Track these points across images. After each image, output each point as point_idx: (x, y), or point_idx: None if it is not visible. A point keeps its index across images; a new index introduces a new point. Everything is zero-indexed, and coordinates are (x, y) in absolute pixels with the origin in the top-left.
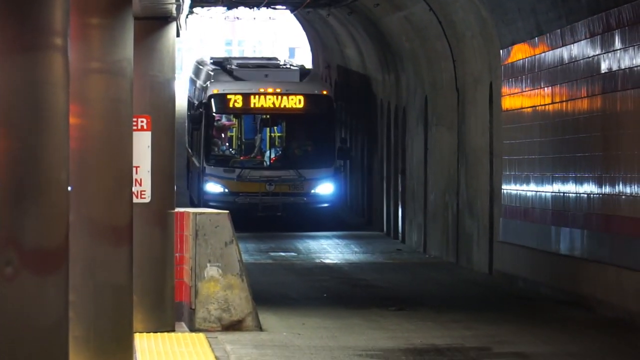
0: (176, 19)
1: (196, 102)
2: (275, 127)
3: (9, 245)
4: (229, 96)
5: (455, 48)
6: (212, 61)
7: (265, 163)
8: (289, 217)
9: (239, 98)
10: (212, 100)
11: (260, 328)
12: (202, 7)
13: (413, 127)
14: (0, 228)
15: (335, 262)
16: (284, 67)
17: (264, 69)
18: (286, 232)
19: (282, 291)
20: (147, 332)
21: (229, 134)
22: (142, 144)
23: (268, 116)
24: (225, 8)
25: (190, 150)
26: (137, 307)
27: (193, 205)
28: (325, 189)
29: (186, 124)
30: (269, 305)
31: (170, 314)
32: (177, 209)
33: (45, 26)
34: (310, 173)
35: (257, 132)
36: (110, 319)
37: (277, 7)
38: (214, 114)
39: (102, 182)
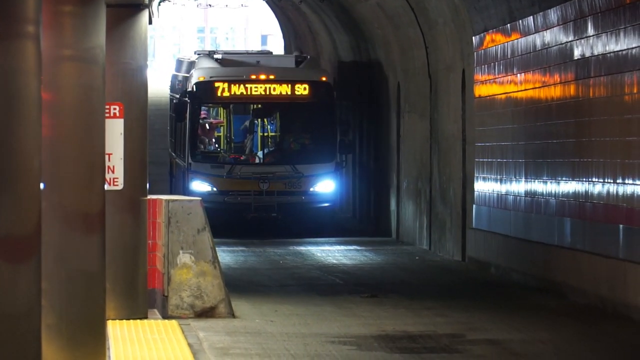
0: (148, 6)
1: (178, 96)
2: (268, 118)
3: None
4: (216, 84)
5: (428, 35)
6: (196, 53)
7: (258, 158)
8: (285, 218)
9: (228, 86)
10: (198, 88)
11: (233, 315)
12: None
13: (385, 114)
14: None
15: (307, 248)
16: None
17: (256, 56)
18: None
19: (255, 280)
20: (119, 320)
21: (216, 126)
22: (114, 131)
23: (260, 105)
24: None
25: (173, 151)
26: (109, 294)
27: None
28: (326, 186)
29: (169, 125)
30: (242, 293)
31: (143, 301)
32: (150, 196)
33: (17, 14)
34: (309, 169)
35: (249, 123)
36: (83, 306)
37: None
38: (199, 104)
39: (74, 169)
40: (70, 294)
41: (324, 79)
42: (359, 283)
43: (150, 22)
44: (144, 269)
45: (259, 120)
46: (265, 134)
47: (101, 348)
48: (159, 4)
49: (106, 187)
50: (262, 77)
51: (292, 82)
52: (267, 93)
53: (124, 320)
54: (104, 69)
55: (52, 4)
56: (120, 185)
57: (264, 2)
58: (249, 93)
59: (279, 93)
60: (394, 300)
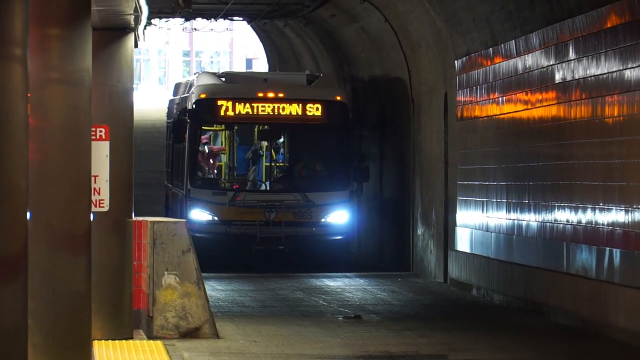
0: (134, 29)
1: (175, 117)
2: (277, 141)
3: None
4: (219, 102)
5: (411, 58)
6: (196, 73)
7: (264, 185)
8: (293, 252)
9: (232, 104)
10: (198, 106)
11: (217, 335)
12: (160, 18)
13: (369, 136)
14: None
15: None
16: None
17: (263, 74)
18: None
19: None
20: (105, 340)
21: (218, 153)
22: (100, 154)
23: (268, 127)
24: (183, 19)
25: (170, 182)
26: (95, 314)
27: None
28: (339, 217)
29: (165, 154)
30: (226, 314)
31: (128, 321)
32: (135, 218)
33: (4, 36)
34: (321, 198)
35: (255, 146)
36: (69, 326)
37: (235, 18)
38: (200, 124)
39: (61, 190)
40: (57, 313)
41: (338, 98)
42: (342, 305)
43: (136, 46)
44: (130, 290)
45: (266, 142)
46: (273, 158)
47: None
48: (145, 28)
49: (92, 208)
50: (270, 95)
51: (304, 102)
52: (276, 113)
53: (110, 341)
54: (90, 92)
55: (39, 27)
56: (106, 207)
57: (249, 26)
58: (255, 112)
59: (288, 113)
60: (376, 321)
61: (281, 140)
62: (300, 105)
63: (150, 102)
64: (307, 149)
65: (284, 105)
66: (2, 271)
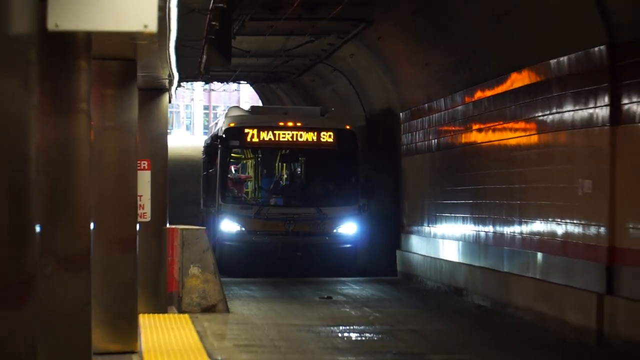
0: (168, 90)
1: (209, 143)
2: (295, 163)
3: (48, 253)
4: (246, 130)
5: (368, 112)
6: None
7: (284, 200)
8: (308, 258)
9: (257, 132)
10: (228, 134)
11: (228, 311)
12: (187, 81)
13: None
14: (42, 241)
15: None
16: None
17: (283, 108)
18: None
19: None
20: (147, 313)
21: (245, 181)
22: (144, 180)
23: (287, 151)
24: (204, 82)
25: (204, 205)
26: (140, 295)
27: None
28: (348, 228)
29: (202, 183)
30: (236, 296)
31: (164, 300)
32: (169, 226)
33: (75, 96)
34: (333, 212)
35: (276, 167)
36: (121, 304)
37: (241, 82)
38: (230, 149)
39: (115, 207)
40: (112, 295)
41: (348, 127)
42: (319, 289)
43: (169, 101)
44: (165, 278)
45: (286, 165)
46: (292, 178)
47: (134, 332)
48: (176, 89)
49: (138, 219)
50: (290, 124)
51: (319, 130)
52: (294, 139)
53: (150, 314)
54: (136, 135)
55: (99, 88)
56: (148, 218)
57: (251, 87)
58: (277, 139)
59: (305, 140)
60: (343, 301)
61: (299, 162)
62: (316, 133)
63: (180, 143)
64: (321, 170)
65: (302, 132)
66: (73, 266)
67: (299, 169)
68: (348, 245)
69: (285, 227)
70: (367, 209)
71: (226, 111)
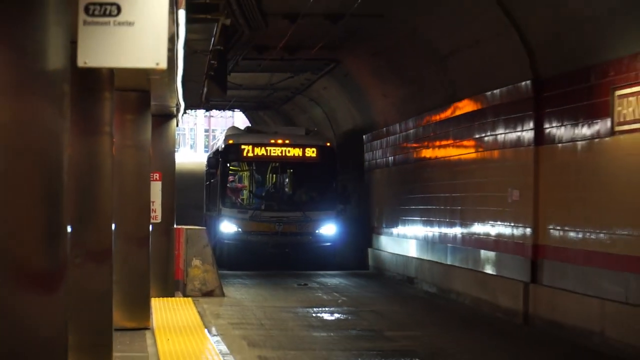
0: (176, 116)
1: (211, 156)
2: (284, 174)
3: (78, 247)
4: (242, 146)
5: (337, 136)
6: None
7: (274, 206)
8: (294, 254)
9: (251, 147)
10: (227, 149)
11: (224, 295)
12: (191, 109)
13: None
14: (73, 236)
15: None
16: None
17: (274, 128)
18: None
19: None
20: (158, 297)
21: (241, 189)
22: (156, 189)
23: (278, 164)
24: (205, 110)
25: (207, 210)
26: (152, 282)
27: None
28: (329, 229)
29: (204, 193)
30: (230, 283)
31: (172, 286)
32: (176, 226)
33: (100, 120)
34: (315, 215)
35: (268, 178)
36: (137, 289)
37: (235, 109)
38: (229, 162)
39: (133, 210)
40: (130, 282)
41: (328, 144)
42: (297, 277)
43: (177, 125)
44: (173, 268)
45: (276, 175)
46: (281, 187)
47: (147, 312)
48: (182, 114)
49: (151, 220)
50: (280, 141)
51: (304, 146)
52: (283, 154)
53: (160, 298)
54: (150, 152)
55: (120, 114)
56: (159, 220)
57: (243, 114)
58: (268, 154)
59: (292, 154)
60: (317, 287)
61: (287, 173)
62: (301, 148)
63: (186, 159)
64: (305, 180)
65: (289, 148)
66: (98, 257)
67: (287, 179)
68: (328, 244)
69: (275, 228)
70: (345, 213)
71: (225, 130)
